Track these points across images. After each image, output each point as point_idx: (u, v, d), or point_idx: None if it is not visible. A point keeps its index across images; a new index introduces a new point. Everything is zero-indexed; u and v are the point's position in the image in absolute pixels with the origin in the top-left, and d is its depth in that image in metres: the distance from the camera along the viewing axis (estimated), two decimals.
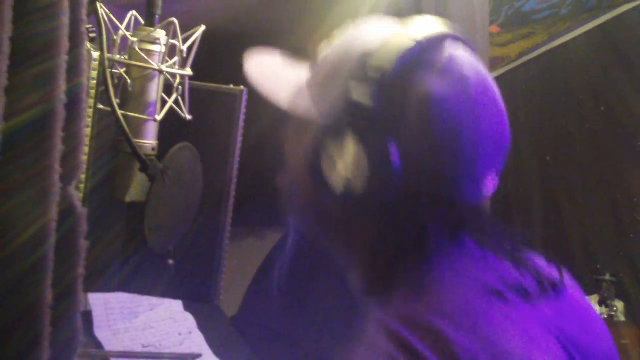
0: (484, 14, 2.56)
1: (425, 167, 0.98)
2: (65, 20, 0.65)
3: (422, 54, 1.00)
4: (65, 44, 0.65)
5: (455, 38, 1.06)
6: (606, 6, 2.66)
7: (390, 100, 0.96)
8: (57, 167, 0.65)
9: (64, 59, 0.65)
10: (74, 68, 0.70)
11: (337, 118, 1.00)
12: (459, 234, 1.02)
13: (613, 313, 3.91)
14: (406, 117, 0.96)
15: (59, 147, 0.65)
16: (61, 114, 0.65)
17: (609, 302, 3.97)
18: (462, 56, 1.03)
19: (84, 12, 0.72)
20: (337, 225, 1.10)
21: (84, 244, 0.75)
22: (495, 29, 3.02)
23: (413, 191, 0.97)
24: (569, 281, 1.09)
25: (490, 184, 1.04)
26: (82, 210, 0.75)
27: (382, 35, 1.05)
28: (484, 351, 0.84)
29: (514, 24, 3.04)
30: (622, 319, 4.03)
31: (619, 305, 4.00)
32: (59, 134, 0.65)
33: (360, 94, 0.97)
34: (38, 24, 0.63)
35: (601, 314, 3.87)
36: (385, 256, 1.03)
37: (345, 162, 0.97)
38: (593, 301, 3.93)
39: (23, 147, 0.62)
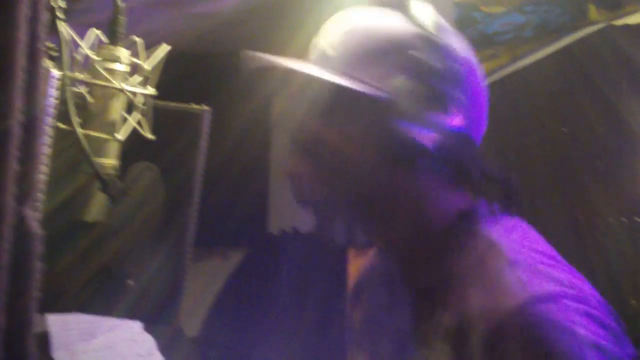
0: None
1: (468, 122, 1.10)
2: (21, 36, 0.64)
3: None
4: (20, 61, 0.64)
5: None
6: (569, 29, 2.70)
7: (446, 61, 1.08)
8: (10, 187, 0.63)
9: (19, 76, 0.63)
10: (32, 86, 0.68)
11: (413, 91, 1.05)
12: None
13: None
14: (456, 78, 1.09)
15: (13, 167, 0.63)
16: (16, 133, 0.63)
17: None
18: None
19: (41, 28, 0.70)
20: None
21: (39, 266, 0.73)
22: None
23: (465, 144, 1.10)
24: None
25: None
26: (37, 231, 0.73)
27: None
28: None
29: (477, 45, 3.05)
30: None
31: None
32: (13, 153, 0.63)
33: (441, 65, 1.07)
34: None
35: None
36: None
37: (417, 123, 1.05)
38: None
39: None
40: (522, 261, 0.96)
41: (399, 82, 1.05)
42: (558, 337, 0.86)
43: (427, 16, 1.11)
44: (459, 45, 1.11)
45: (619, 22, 2.65)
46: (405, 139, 1.04)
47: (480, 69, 1.15)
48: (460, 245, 1.03)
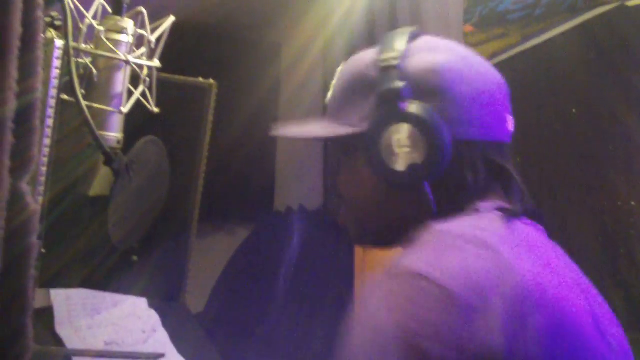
0: (457, 13, 2.54)
1: (462, 125, 1.07)
2: (17, 3, 0.61)
3: (414, 38, 1.13)
4: (16, 30, 0.61)
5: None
6: (581, 8, 2.66)
7: (412, 78, 1.07)
8: (6, 161, 0.61)
9: (15, 46, 0.61)
10: (30, 56, 0.65)
11: (375, 117, 1.07)
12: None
13: None
14: (430, 90, 1.07)
15: (8, 141, 0.60)
16: (11, 105, 0.61)
17: None
18: (433, 38, 1.16)
19: None
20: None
21: (35, 243, 0.70)
22: (469, 28, 3.00)
23: (461, 149, 1.06)
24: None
25: (510, 122, 1.14)
26: (34, 207, 0.70)
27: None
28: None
29: (488, 23, 3.03)
30: None
31: None
32: (8, 126, 0.60)
33: (388, 82, 1.07)
34: None
35: None
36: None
37: (404, 146, 1.06)
38: None
39: None
40: (422, 243, 0.96)
41: (372, 114, 1.07)
42: (380, 308, 0.89)
43: (401, 41, 1.11)
44: (436, 58, 1.10)
45: (632, 2, 2.61)
46: (389, 165, 1.06)
47: (474, 66, 1.12)
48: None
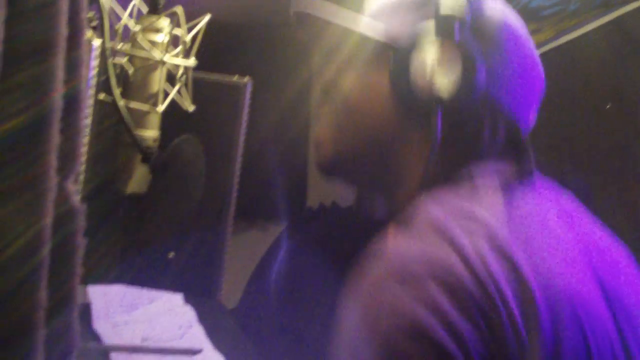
0: None
1: (497, 84, 1.02)
2: (63, 6, 0.62)
3: None
4: (62, 32, 0.62)
5: None
6: (615, 3, 2.63)
7: (479, 17, 1.02)
8: (53, 162, 0.62)
9: (62, 47, 0.62)
10: (74, 57, 0.67)
11: (420, 28, 1.01)
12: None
13: None
14: (490, 36, 1.03)
15: (56, 141, 0.62)
16: (59, 105, 0.62)
17: None
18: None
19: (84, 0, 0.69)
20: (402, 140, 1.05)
21: (81, 241, 0.72)
22: None
23: (488, 107, 1.02)
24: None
25: (533, 117, 1.11)
26: (80, 206, 0.72)
27: None
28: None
29: (521, 19, 3.00)
30: None
31: None
32: (56, 126, 0.62)
33: (454, 8, 0.99)
34: (35, 22, 0.60)
35: None
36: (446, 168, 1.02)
37: (436, 70, 0.98)
38: None
39: (18, 150, 0.59)
40: (418, 234, 0.89)
41: (422, 33, 1.00)
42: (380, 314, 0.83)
43: None
44: (503, 12, 1.07)
45: None
46: (422, 90, 0.98)
47: (528, 46, 1.09)
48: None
